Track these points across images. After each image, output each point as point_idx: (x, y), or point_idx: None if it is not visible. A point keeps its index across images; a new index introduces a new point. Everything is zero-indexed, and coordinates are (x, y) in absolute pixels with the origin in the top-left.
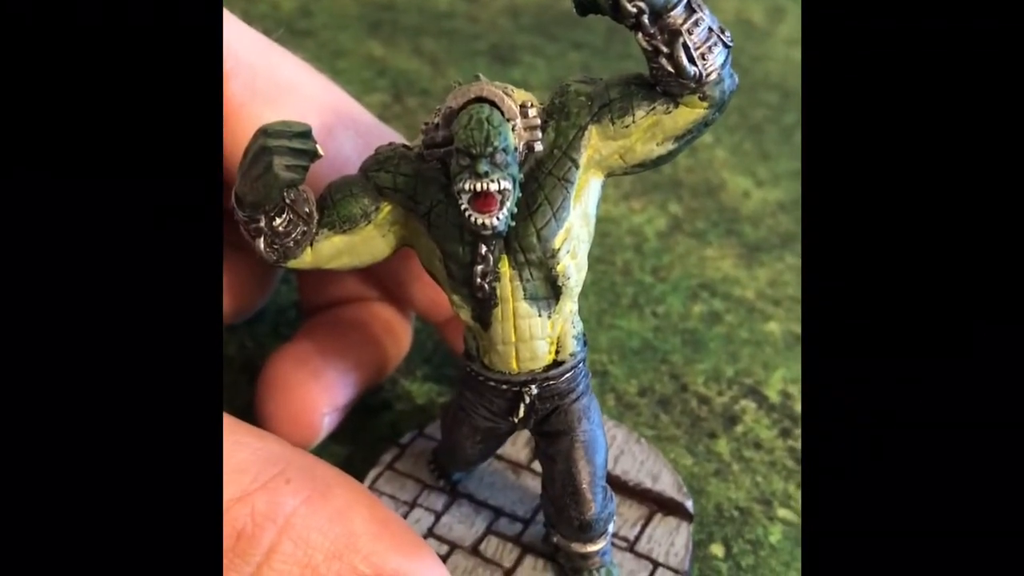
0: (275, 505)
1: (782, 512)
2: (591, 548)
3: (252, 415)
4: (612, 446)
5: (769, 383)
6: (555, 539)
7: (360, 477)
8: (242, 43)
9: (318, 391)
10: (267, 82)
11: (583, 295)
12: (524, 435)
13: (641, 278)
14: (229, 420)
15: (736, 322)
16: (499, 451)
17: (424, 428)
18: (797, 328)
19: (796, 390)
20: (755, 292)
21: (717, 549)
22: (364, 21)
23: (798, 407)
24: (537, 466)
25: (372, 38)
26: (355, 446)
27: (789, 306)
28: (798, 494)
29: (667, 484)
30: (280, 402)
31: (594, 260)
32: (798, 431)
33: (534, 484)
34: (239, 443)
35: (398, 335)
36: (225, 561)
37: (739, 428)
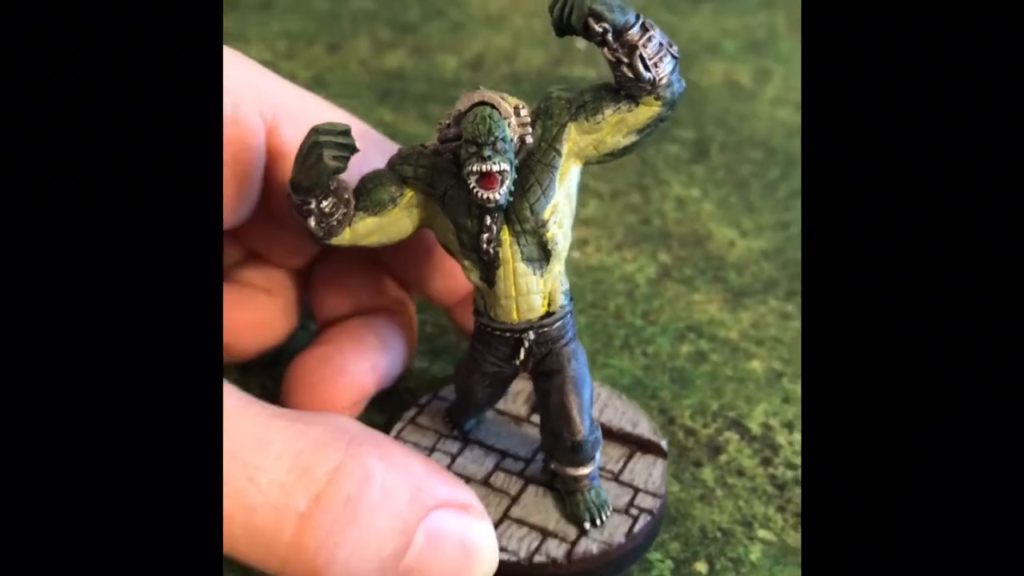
0: (366, 467)
1: (762, 532)
2: (582, 471)
3: None
4: (598, 401)
5: (751, 416)
6: (552, 466)
7: (384, 429)
8: (286, 95)
9: (342, 387)
10: (309, 124)
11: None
12: (524, 394)
13: (632, 321)
14: (278, 410)
15: (721, 361)
16: (503, 407)
17: (439, 392)
18: (778, 365)
19: (776, 422)
20: (739, 333)
21: (701, 567)
22: (375, 90)
23: (779, 438)
24: (535, 418)
25: (382, 105)
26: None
27: (771, 345)
28: (777, 516)
29: (645, 428)
30: (305, 398)
31: (588, 305)
32: (778, 459)
33: (533, 433)
34: (308, 423)
35: (406, 340)
36: (337, 527)
37: (723, 457)
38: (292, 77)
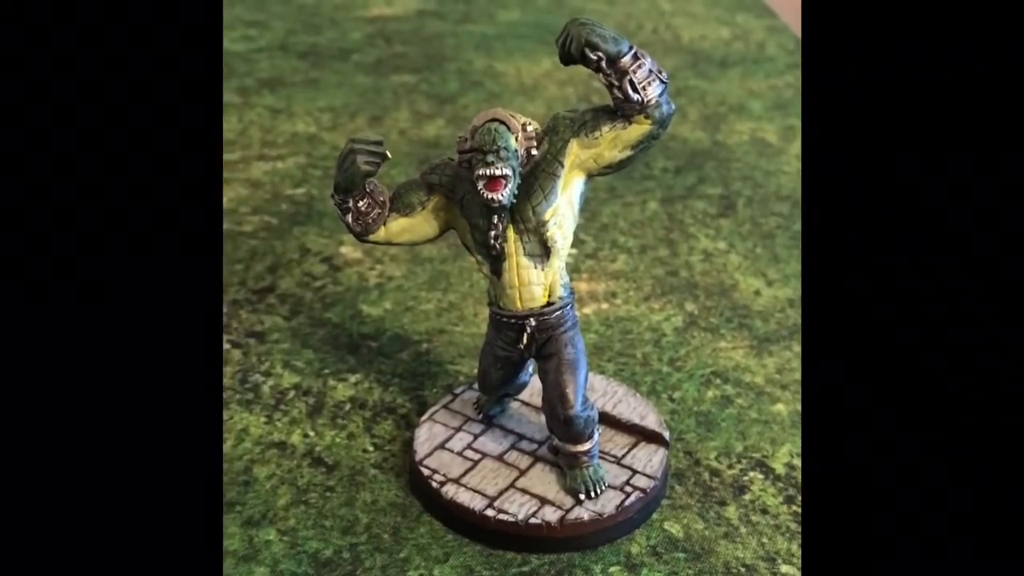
0: None
1: (784, 568)
2: (581, 448)
3: (310, 494)
4: (614, 396)
5: (775, 456)
6: (555, 443)
7: (421, 413)
8: None
9: None
10: None
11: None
12: None
13: (659, 368)
14: None
15: (746, 404)
16: (527, 399)
17: (472, 384)
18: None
19: (801, 462)
20: (764, 378)
21: None
22: (414, 157)
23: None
24: None
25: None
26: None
27: (795, 389)
28: (800, 552)
29: (652, 422)
30: None
31: (616, 354)
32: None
33: None
34: None
35: None
36: None
37: (747, 496)
38: (334, 148)
